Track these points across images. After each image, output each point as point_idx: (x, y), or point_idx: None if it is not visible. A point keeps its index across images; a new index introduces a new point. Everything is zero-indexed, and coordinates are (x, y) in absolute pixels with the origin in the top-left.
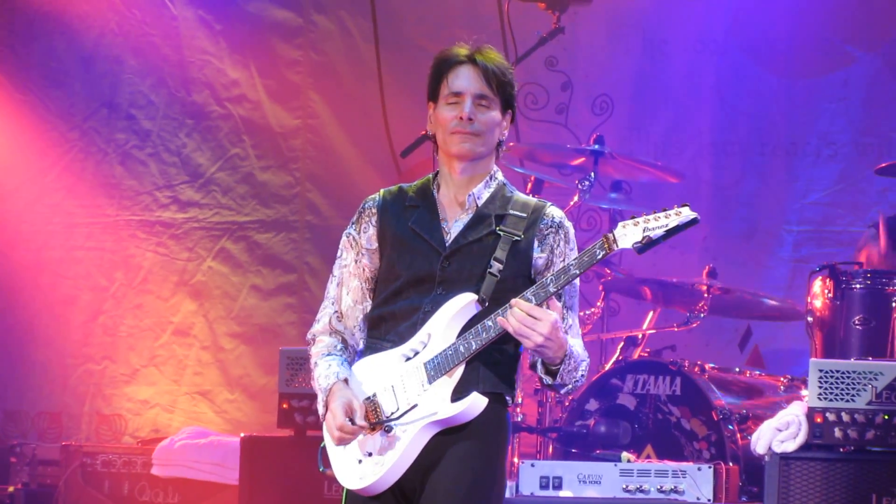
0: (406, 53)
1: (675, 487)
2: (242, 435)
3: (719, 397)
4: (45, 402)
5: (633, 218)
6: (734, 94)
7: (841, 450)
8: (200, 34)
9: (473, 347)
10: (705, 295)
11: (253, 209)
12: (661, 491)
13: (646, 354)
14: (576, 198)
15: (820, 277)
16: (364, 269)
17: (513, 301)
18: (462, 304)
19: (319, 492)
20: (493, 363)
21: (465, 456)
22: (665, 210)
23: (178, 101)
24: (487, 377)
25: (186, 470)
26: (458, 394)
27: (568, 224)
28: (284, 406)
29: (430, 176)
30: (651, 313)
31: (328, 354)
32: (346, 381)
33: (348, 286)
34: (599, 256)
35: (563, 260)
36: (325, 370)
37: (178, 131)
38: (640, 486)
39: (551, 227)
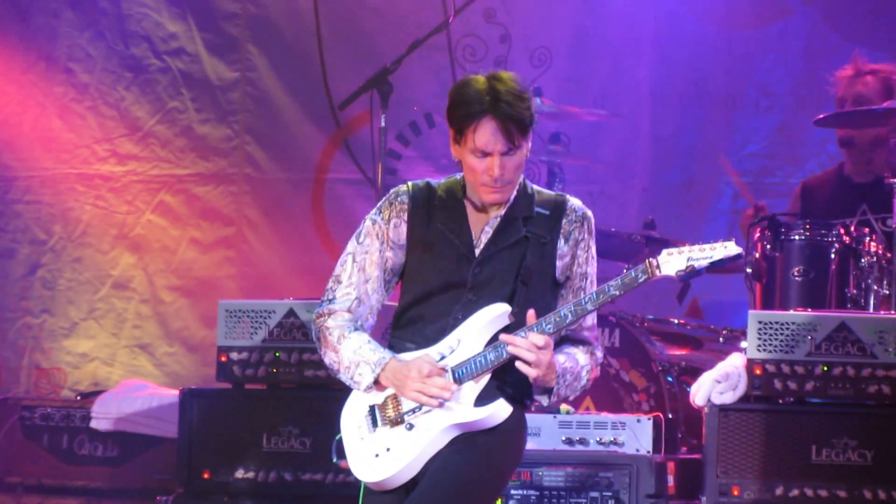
0: (344, 4)
1: (615, 439)
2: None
3: (658, 349)
4: None
5: (677, 247)
6: (673, 45)
7: (780, 401)
8: None
9: (504, 356)
10: (644, 247)
11: (192, 162)
12: (600, 443)
13: None
14: None
15: (758, 229)
16: (387, 261)
17: (528, 335)
18: (495, 315)
19: (258, 444)
20: (518, 371)
21: (482, 447)
22: (711, 243)
23: (116, 54)
24: (514, 384)
25: (125, 423)
26: (482, 400)
27: (590, 214)
28: (223, 359)
29: (459, 178)
30: None
31: (357, 330)
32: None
33: (369, 275)
34: (641, 280)
35: (586, 250)
36: (365, 343)
37: (116, 84)
38: (580, 438)
39: (575, 221)
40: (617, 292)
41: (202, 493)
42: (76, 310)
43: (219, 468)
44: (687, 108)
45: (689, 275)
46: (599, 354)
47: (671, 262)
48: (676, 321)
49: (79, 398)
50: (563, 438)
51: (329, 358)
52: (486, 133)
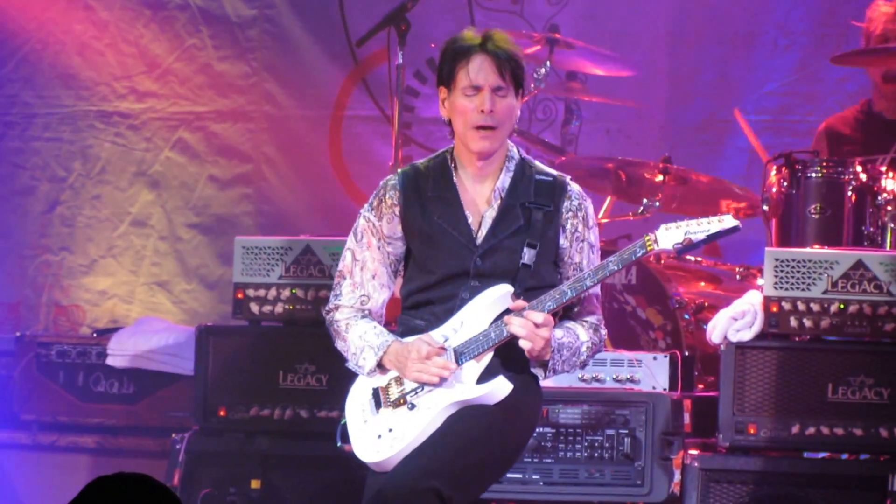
0: None
1: (631, 377)
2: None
3: (675, 287)
4: (2, 293)
5: (675, 221)
6: None
7: (796, 339)
8: None
9: (504, 335)
10: (661, 183)
11: (210, 99)
12: (616, 380)
13: (602, 243)
14: (531, 87)
15: (775, 166)
16: (388, 255)
17: (526, 313)
18: (498, 295)
19: (275, 382)
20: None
21: (484, 414)
22: (708, 217)
23: None
24: (520, 360)
25: (141, 360)
26: (485, 378)
27: (587, 204)
28: (239, 296)
29: (446, 154)
30: (606, 201)
31: (364, 317)
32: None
33: (374, 271)
34: (639, 255)
35: (582, 240)
36: (370, 329)
37: (135, 22)
38: (596, 376)
39: (570, 210)
40: (616, 267)
41: (218, 431)
42: (95, 247)
43: (235, 406)
44: (705, 46)
45: (687, 248)
46: (603, 332)
47: (669, 235)
48: (693, 259)
49: (95, 335)
50: (580, 376)
51: (340, 346)
52: (476, 66)
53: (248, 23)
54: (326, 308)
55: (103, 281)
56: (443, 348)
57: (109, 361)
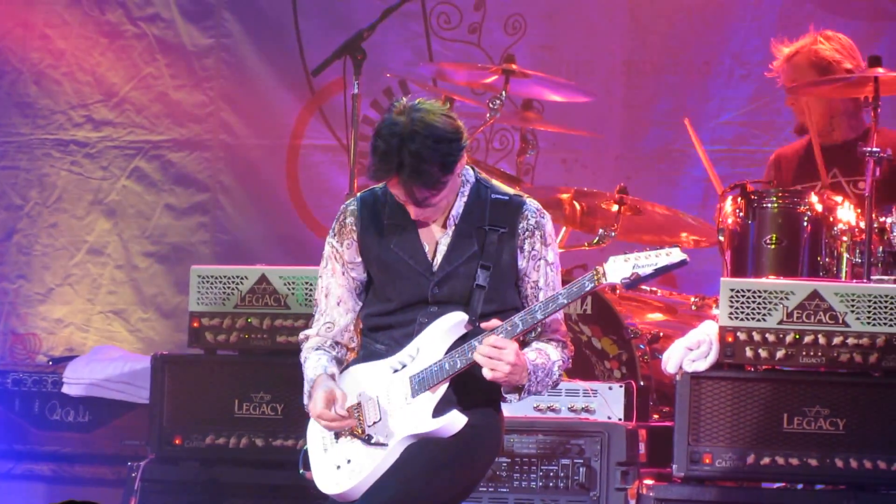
0: None
1: (586, 406)
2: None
3: (630, 316)
4: None
5: (624, 254)
6: (647, 13)
7: (752, 369)
8: None
9: (458, 366)
10: (616, 213)
11: (167, 128)
12: (572, 410)
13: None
14: (487, 117)
15: (731, 196)
16: (352, 280)
17: (483, 338)
18: (452, 323)
19: (230, 410)
20: (482, 378)
21: (435, 451)
22: (656, 249)
23: (91, 20)
24: (476, 391)
25: (97, 389)
26: (440, 410)
27: (545, 221)
28: (195, 325)
29: None
30: (562, 231)
31: (317, 349)
32: (332, 376)
33: (337, 297)
34: (588, 289)
35: (539, 258)
36: (314, 363)
37: (91, 50)
38: (551, 406)
39: (527, 230)
40: (566, 300)
41: (174, 459)
42: (52, 275)
43: (190, 434)
44: (661, 76)
45: (634, 282)
46: (570, 348)
47: (617, 269)
48: (649, 289)
49: (51, 363)
50: (535, 406)
51: None
52: (397, 190)
53: (204, 52)
54: (300, 338)
55: (60, 309)
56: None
57: (65, 390)
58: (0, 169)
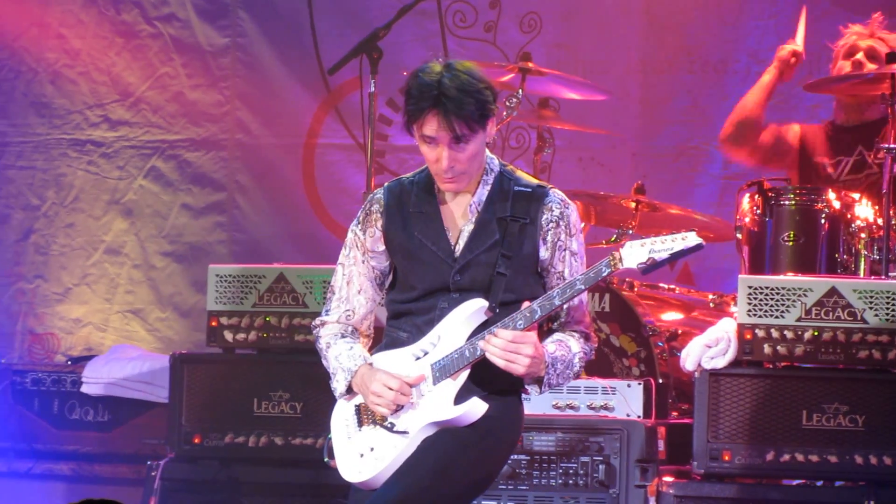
0: None
1: (605, 404)
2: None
3: (648, 314)
4: None
5: (640, 239)
6: (663, 11)
7: (770, 366)
8: None
9: (479, 353)
10: (634, 211)
11: (183, 127)
12: (590, 408)
13: None
14: (504, 115)
15: (748, 194)
16: (373, 269)
17: (495, 329)
18: (472, 310)
19: (249, 409)
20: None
21: (459, 437)
22: (672, 234)
23: (107, 19)
24: (498, 379)
25: (116, 388)
26: (462, 397)
27: (569, 212)
28: (213, 324)
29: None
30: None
31: (343, 337)
32: (371, 365)
33: (359, 285)
34: (605, 274)
35: (564, 249)
36: (346, 350)
37: (107, 50)
38: (570, 403)
39: (552, 221)
40: (583, 286)
41: (192, 458)
42: (69, 275)
43: (209, 433)
44: (677, 74)
45: (651, 267)
46: (594, 340)
47: (633, 254)
48: (667, 286)
49: (69, 363)
50: (554, 403)
51: (324, 365)
52: (430, 123)
53: (220, 51)
54: (314, 323)
55: (77, 309)
56: (408, 385)
57: (84, 389)
58: (17, 169)
